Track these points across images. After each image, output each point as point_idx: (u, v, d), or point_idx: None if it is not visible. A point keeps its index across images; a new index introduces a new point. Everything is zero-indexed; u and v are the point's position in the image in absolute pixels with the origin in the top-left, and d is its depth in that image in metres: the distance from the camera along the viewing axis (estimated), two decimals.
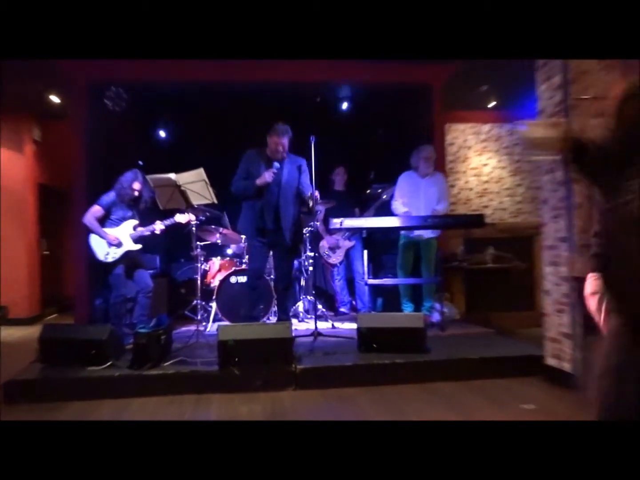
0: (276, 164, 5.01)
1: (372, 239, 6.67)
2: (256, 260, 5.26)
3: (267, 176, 4.96)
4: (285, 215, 5.06)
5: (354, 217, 6.17)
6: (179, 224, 5.40)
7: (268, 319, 5.83)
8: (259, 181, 4.98)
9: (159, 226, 5.34)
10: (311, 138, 4.99)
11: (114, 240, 5.19)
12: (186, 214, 5.30)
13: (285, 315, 5.31)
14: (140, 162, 7.08)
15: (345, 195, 6.80)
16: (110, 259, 5.19)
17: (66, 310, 8.63)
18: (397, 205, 5.86)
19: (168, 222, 5.34)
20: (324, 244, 6.78)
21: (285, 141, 5.04)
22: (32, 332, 6.70)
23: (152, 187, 5.25)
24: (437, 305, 5.87)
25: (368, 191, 7.04)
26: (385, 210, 6.09)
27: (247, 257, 6.25)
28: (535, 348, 4.59)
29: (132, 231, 5.30)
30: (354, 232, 6.48)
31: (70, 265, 8.86)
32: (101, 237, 5.19)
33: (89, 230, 5.23)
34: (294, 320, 6.19)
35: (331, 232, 6.54)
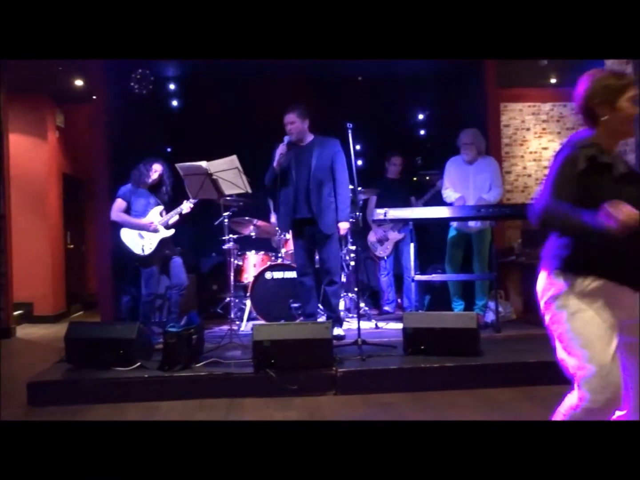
0: (286, 137, 5.11)
1: (422, 231, 6.63)
2: (298, 257, 5.36)
3: (278, 151, 5.08)
4: (318, 201, 5.11)
5: (409, 207, 6.14)
6: (207, 200, 5.47)
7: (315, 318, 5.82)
8: (275, 162, 5.10)
9: (186, 205, 5.40)
10: (348, 125, 4.98)
11: (150, 224, 5.29)
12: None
13: (333, 314, 5.33)
14: (169, 149, 7.20)
15: (399, 184, 6.78)
16: (147, 251, 5.27)
17: (91, 307, 8.86)
18: (449, 193, 5.78)
19: (195, 200, 5.41)
20: (371, 235, 6.78)
21: (290, 118, 5.14)
22: (57, 330, 6.91)
23: (170, 175, 5.40)
24: (491, 304, 5.80)
25: (415, 179, 7.00)
26: (439, 200, 6.02)
27: (283, 251, 6.31)
28: None
29: (159, 217, 5.39)
30: (401, 223, 6.44)
31: (94, 260, 9.08)
32: (136, 227, 5.28)
33: (118, 226, 5.34)
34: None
35: (378, 223, 6.52)
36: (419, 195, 6.68)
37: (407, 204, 6.48)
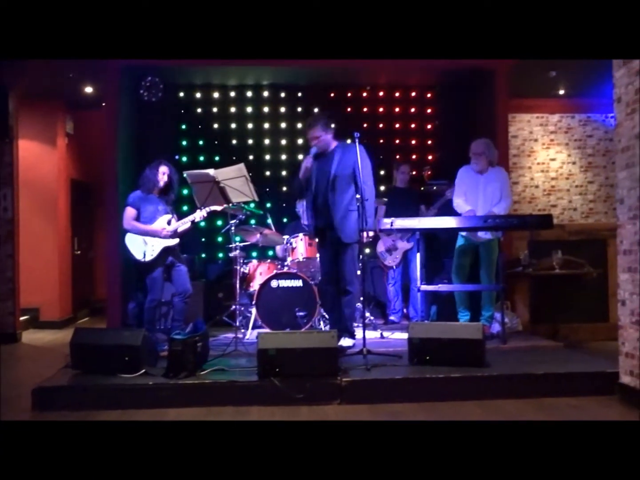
0: (312, 150, 5.10)
1: (431, 241, 6.62)
2: (323, 264, 5.39)
3: (304, 164, 5.09)
4: (337, 211, 5.06)
5: (418, 216, 6.14)
6: (215, 211, 5.49)
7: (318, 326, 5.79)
8: (301, 174, 5.11)
9: (199, 214, 5.39)
10: (355, 134, 4.91)
11: (162, 230, 5.30)
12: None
13: (341, 324, 5.22)
14: (177, 157, 7.22)
15: (408, 193, 6.78)
16: (148, 258, 5.27)
17: (98, 313, 8.87)
18: (460, 203, 5.75)
19: (208, 210, 5.41)
20: (380, 245, 6.77)
21: (313, 133, 5.10)
22: (63, 335, 6.92)
23: (176, 173, 5.43)
24: (498, 315, 5.77)
25: (422, 188, 6.99)
26: (449, 209, 6.00)
27: (289, 259, 6.31)
28: (608, 364, 4.47)
29: (166, 226, 5.36)
30: (407, 233, 6.43)
31: (101, 266, 9.11)
32: (147, 234, 5.28)
33: (126, 232, 5.34)
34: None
35: (387, 232, 6.51)
36: (429, 204, 6.66)
37: (417, 212, 6.48)
